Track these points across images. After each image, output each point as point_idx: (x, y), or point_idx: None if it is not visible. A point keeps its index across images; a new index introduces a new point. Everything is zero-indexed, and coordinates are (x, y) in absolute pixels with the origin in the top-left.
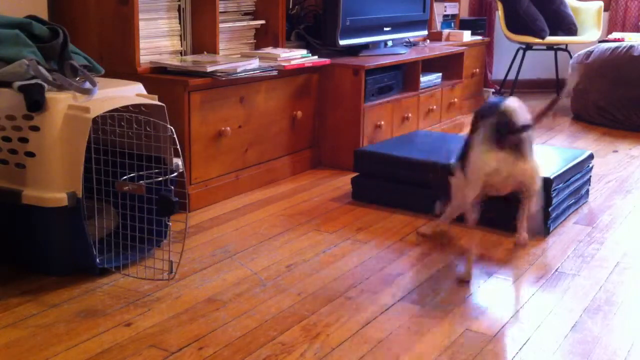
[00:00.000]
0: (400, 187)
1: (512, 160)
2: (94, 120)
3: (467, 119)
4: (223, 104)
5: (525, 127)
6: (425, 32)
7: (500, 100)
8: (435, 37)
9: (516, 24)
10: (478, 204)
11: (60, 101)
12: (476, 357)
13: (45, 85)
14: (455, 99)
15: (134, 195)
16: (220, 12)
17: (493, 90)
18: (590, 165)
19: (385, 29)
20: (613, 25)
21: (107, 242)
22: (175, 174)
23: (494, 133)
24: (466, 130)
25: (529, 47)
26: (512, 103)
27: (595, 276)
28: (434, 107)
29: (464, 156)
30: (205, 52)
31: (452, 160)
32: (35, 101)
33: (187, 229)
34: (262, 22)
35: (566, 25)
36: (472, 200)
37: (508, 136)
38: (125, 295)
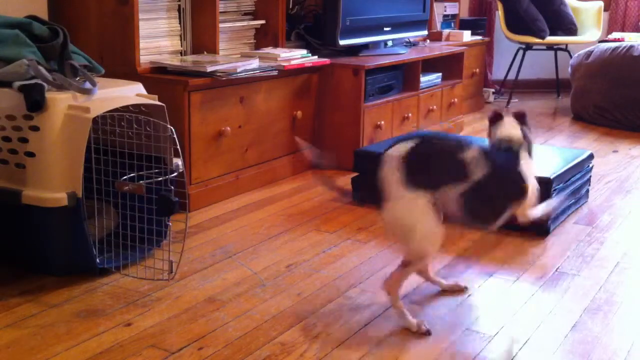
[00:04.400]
0: None
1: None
2: (94, 120)
3: (467, 119)
4: (223, 104)
5: None
6: (425, 32)
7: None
8: (435, 37)
9: (516, 24)
10: None
11: (60, 101)
12: (476, 357)
13: (45, 85)
14: (455, 99)
15: (134, 195)
16: (220, 12)
17: (493, 90)
18: (590, 165)
19: (385, 29)
20: (613, 25)
21: (107, 242)
22: (175, 174)
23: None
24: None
25: (529, 47)
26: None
27: (595, 276)
28: (434, 107)
29: None
30: (205, 52)
31: None
32: (35, 101)
33: (187, 229)
34: (262, 22)
35: (566, 25)
36: None
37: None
38: (125, 295)
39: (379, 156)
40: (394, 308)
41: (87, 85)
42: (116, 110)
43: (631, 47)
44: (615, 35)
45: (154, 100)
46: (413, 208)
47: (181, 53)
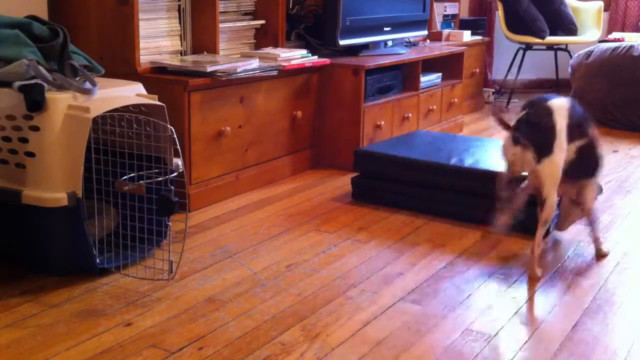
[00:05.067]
0: (400, 187)
1: (526, 158)
2: (94, 120)
3: (467, 119)
4: (223, 104)
5: (534, 130)
6: (425, 32)
7: (548, 98)
8: (435, 37)
9: (516, 24)
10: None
11: (60, 101)
12: (476, 357)
13: (45, 85)
14: (455, 99)
15: (134, 195)
16: (220, 12)
17: (493, 90)
18: None
19: (385, 29)
20: (613, 25)
21: (107, 242)
22: (175, 174)
23: (519, 125)
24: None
25: (529, 47)
26: (556, 102)
27: (595, 276)
28: (434, 107)
29: None
30: (205, 52)
31: None
32: (35, 101)
33: (187, 229)
34: (262, 22)
35: (566, 25)
36: (501, 182)
37: (522, 132)
38: (125, 295)
39: (534, 103)
40: (533, 254)
41: (87, 85)
42: (116, 110)
43: (631, 47)
44: (615, 35)
45: (154, 100)
46: (563, 160)
47: (181, 53)
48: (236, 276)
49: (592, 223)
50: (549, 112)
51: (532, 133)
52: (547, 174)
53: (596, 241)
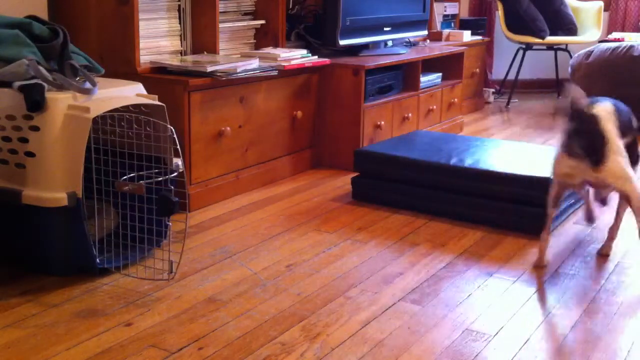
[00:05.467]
0: (400, 187)
1: (584, 168)
2: (94, 120)
3: (467, 119)
4: (223, 104)
5: (594, 139)
6: (425, 32)
7: (591, 104)
8: (435, 37)
9: (516, 24)
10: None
11: (60, 101)
12: (476, 357)
13: (45, 85)
14: (455, 99)
15: (134, 195)
16: (220, 12)
17: (493, 90)
18: None
19: (385, 29)
20: (613, 25)
21: (107, 242)
22: (175, 174)
23: (568, 138)
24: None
25: (529, 47)
26: (601, 109)
27: (595, 276)
28: (434, 107)
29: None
30: (205, 52)
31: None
32: (35, 101)
33: (187, 229)
34: (262, 22)
35: (566, 25)
36: (552, 198)
37: (577, 145)
38: (125, 295)
39: (579, 113)
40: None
41: (87, 85)
42: (116, 110)
43: (631, 47)
44: (615, 35)
45: (154, 100)
46: (626, 155)
47: (181, 53)
48: (236, 276)
49: (620, 214)
50: (596, 121)
51: (584, 144)
52: (614, 178)
53: (613, 237)
